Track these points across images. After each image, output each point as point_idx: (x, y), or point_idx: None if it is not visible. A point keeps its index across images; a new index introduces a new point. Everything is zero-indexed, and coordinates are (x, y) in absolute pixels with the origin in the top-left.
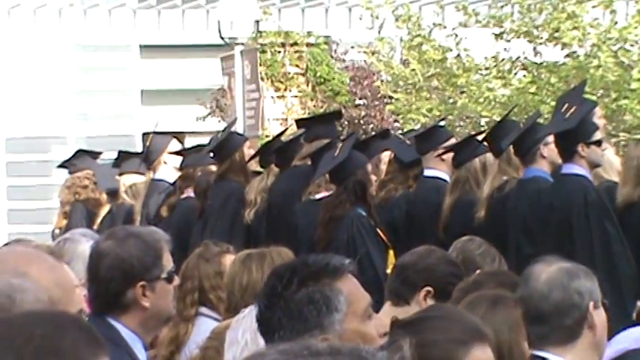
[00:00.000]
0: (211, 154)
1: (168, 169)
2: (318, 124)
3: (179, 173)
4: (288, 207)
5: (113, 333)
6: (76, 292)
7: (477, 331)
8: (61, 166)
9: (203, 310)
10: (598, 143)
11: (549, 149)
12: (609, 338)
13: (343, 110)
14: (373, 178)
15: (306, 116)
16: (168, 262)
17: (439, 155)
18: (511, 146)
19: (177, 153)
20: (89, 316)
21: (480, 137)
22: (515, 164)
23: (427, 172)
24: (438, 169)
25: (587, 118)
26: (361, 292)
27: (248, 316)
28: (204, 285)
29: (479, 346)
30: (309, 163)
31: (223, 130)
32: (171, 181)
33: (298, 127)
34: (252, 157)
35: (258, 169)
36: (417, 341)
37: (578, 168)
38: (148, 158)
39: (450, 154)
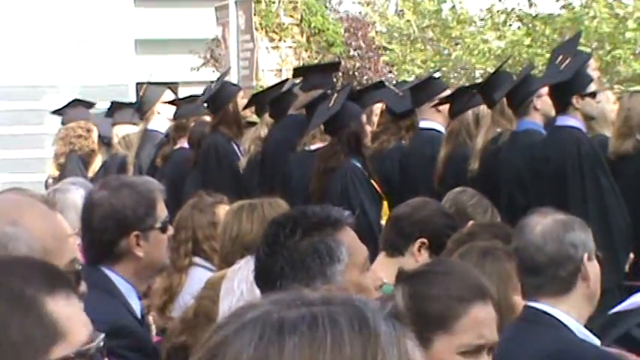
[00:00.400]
0: (205, 105)
1: (162, 119)
2: (316, 74)
3: (172, 124)
4: (282, 157)
5: (107, 282)
6: (70, 241)
7: (479, 289)
8: (55, 112)
9: (197, 260)
10: (593, 95)
11: (542, 101)
12: (601, 290)
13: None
14: (367, 129)
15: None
16: (162, 212)
17: (434, 106)
18: (505, 98)
19: (171, 103)
20: (83, 265)
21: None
22: (509, 116)
23: (422, 124)
24: (433, 120)
25: (581, 70)
26: (359, 244)
27: (244, 266)
28: (197, 235)
29: (480, 304)
30: (304, 113)
31: (217, 80)
32: (165, 131)
33: (295, 75)
34: (245, 107)
35: (253, 119)
36: (418, 294)
37: (572, 120)
38: (141, 108)
39: (447, 106)
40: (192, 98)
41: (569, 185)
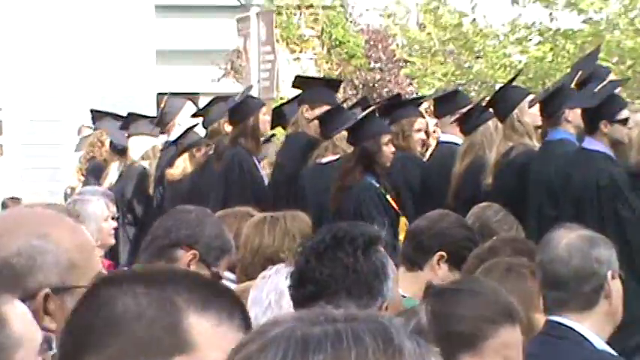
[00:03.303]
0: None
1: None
2: (318, 88)
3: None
4: (295, 171)
5: None
6: (95, 254)
7: (508, 311)
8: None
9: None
10: (623, 122)
11: (574, 113)
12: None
13: (358, 73)
14: (387, 148)
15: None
16: None
17: (455, 121)
18: (517, 111)
19: (196, 115)
20: None
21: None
22: (520, 131)
23: (443, 137)
24: (453, 134)
25: (612, 96)
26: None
27: (274, 275)
28: None
29: (509, 327)
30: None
31: (241, 93)
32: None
33: (295, 85)
34: (273, 126)
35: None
36: (447, 313)
37: (597, 144)
38: (162, 120)
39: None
40: (215, 101)
41: (588, 214)
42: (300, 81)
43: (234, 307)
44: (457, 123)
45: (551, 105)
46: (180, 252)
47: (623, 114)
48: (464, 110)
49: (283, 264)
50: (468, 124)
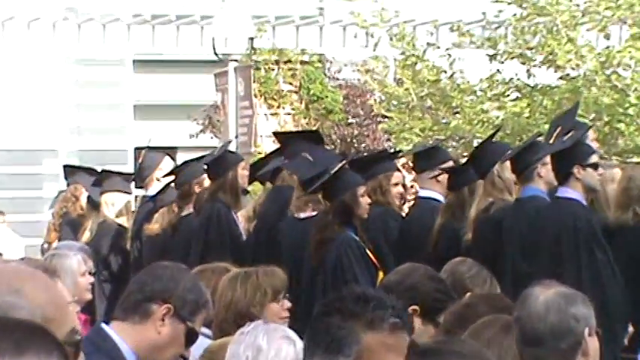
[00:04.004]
0: (205, 168)
1: (161, 186)
2: (299, 142)
3: (177, 192)
4: (273, 225)
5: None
6: (70, 310)
7: None
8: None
9: None
10: (594, 166)
11: (547, 170)
12: None
13: (336, 128)
14: (363, 200)
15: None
16: None
17: (435, 177)
18: (498, 167)
19: (169, 174)
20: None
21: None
22: (499, 186)
23: (422, 193)
24: (433, 189)
25: (582, 141)
26: None
27: (252, 332)
28: None
29: None
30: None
31: (220, 147)
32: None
33: (279, 140)
34: (250, 181)
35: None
36: None
37: (572, 192)
38: (140, 175)
39: (446, 176)
40: (187, 163)
41: (565, 258)
42: (280, 136)
43: (50, 345)
44: (436, 179)
45: (522, 161)
46: (154, 306)
47: (593, 158)
48: (444, 166)
49: (261, 320)
50: (454, 182)
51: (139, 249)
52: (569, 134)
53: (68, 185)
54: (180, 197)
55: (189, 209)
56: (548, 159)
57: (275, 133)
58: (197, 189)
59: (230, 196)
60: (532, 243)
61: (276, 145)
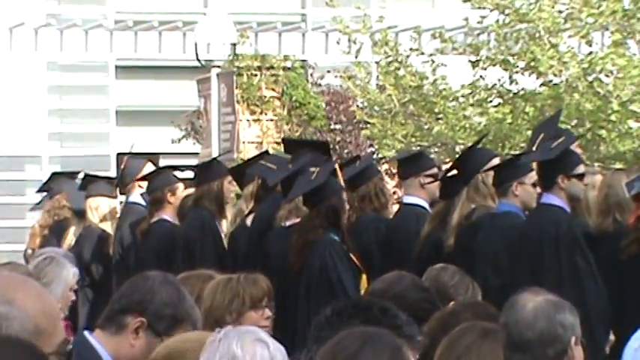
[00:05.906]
0: (192, 172)
1: (143, 192)
2: (308, 151)
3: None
4: (262, 233)
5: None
6: (60, 320)
7: None
8: (40, 190)
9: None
10: (580, 177)
11: (523, 189)
12: None
13: (318, 135)
14: (347, 205)
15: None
16: None
17: (423, 184)
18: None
19: (142, 178)
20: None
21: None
22: (483, 192)
23: (407, 199)
24: (417, 196)
25: (569, 151)
26: None
27: (224, 339)
28: None
29: None
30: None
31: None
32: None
33: (286, 149)
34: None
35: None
36: None
37: (555, 199)
38: (122, 181)
39: (434, 183)
40: (161, 170)
41: (546, 265)
42: (289, 145)
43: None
44: (422, 185)
45: (500, 176)
46: (128, 318)
47: (580, 169)
48: (430, 172)
49: (231, 326)
50: (446, 190)
51: (120, 255)
52: (557, 142)
53: (51, 193)
54: (152, 203)
55: (159, 216)
56: (527, 179)
57: (284, 140)
58: (170, 197)
59: (215, 205)
60: (507, 258)
61: (257, 152)
